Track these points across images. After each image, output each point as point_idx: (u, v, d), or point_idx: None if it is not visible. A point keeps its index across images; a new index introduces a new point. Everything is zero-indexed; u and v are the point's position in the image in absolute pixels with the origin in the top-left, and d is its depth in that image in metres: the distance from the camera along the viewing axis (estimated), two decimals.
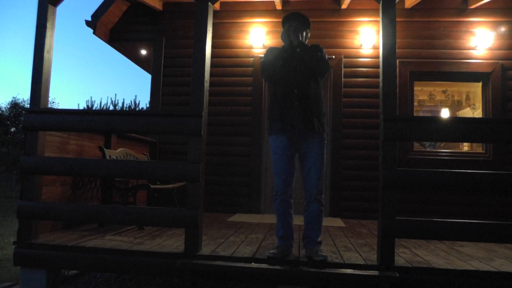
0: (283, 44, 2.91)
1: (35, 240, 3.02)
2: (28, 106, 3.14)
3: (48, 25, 3.18)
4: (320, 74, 2.84)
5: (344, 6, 5.44)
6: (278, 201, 2.77)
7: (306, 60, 2.78)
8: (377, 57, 5.26)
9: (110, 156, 3.93)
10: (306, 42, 2.94)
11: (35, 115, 3.06)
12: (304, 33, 2.88)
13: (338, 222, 4.72)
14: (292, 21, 2.88)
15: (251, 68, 5.60)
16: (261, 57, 5.54)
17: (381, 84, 2.81)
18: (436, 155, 5.32)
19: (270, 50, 2.91)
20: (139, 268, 2.84)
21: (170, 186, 4.55)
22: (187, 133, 2.89)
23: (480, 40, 5.26)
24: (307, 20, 2.94)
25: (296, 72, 2.79)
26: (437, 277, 2.62)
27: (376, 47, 5.39)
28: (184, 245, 2.82)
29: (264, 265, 2.64)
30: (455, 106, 5.90)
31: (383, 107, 2.76)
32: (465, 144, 5.68)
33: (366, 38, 5.41)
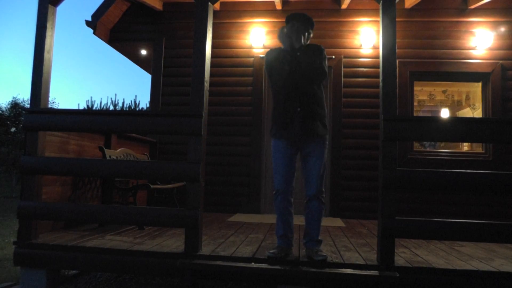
0: (282, 46, 2.82)
1: (35, 240, 3.02)
2: (28, 106, 3.14)
3: (48, 25, 3.18)
4: (315, 82, 2.78)
5: (344, 6, 5.44)
6: (278, 199, 2.77)
7: (303, 67, 2.72)
8: (377, 57, 5.26)
9: (110, 156, 3.93)
10: (308, 42, 2.90)
11: (35, 115, 3.06)
12: (306, 34, 2.82)
13: (338, 222, 4.71)
14: (294, 21, 2.79)
15: (251, 68, 5.60)
16: (261, 57, 5.54)
17: (381, 84, 2.81)
18: (436, 155, 5.32)
19: (272, 52, 2.84)
20: (139, 268, 2.84)
21: (170, 186, 4.55)
22: (187, 133, 2.89)
23: (480, 40, 5.26)
24: (310, 20, 2.85)
25: (298, 77, 2.74)
26: (437, 277, 2.62)
27: (376, 47, 5.39)
28: (184, 245, 2.82)
29: (264, 265, 2.64)
30: (455, 106, 5.90)
31: (383, 107, 2.76)
32: (465, 144, 5.67)
33: (366, 38, 5.41)
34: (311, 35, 2.90)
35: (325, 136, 2.81)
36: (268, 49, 2.93)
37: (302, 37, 2.75)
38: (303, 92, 2.74)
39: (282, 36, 2.78)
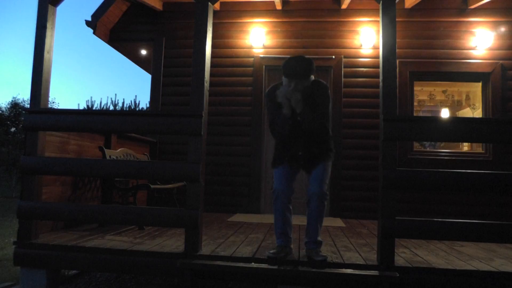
0: (283, 82, 2.72)
1: (35, 240, 3.02)
2: (28, 106, 3.14)
3: (48, 25, 3.18)
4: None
5: (344, 6, 5.43)
6: (277, 199, 2.76)
7: (304, 129, 2.71)
8: (377, 57, 5.26)
9: (110, 156, 3.93)
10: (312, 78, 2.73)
11: (35, 115, 3.06)
12: (306, 83, 2.65)
13: (338, 222, 4.71)
14: (292, 76, 2.61)
15: (251, 68, 5.60)
16: (261, 57, 5.55)
17: (381, 84, 2.81)
18: (436, 155, 5.32)
19: (272, 96, 2.73)
20: (139, 268, 2.84)
21: (170, 186, 4.55)
22: (187, 133, 2.89)
23: (480, 40, 5.26)
24: (310, 67, 2.65)
25: (299, 134, 2.74)
26: (437, 277, 2.62)
27: (376, 47, 5.38)
28: (184, 245, 2.82)
29: (264, 265, 2.64)
30: (455, 106, 5.89)
31: (383, 107, 2.76)
32: (465, 144, 5.67)
33: (366, 38, 5.41)
34: (313, 77, 2.72)
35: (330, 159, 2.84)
36: (268, 94, 2.82)
37: (302, 101, 2.62)
38: (306, 147, 2.76)
39: (281, 97, 2.65)
